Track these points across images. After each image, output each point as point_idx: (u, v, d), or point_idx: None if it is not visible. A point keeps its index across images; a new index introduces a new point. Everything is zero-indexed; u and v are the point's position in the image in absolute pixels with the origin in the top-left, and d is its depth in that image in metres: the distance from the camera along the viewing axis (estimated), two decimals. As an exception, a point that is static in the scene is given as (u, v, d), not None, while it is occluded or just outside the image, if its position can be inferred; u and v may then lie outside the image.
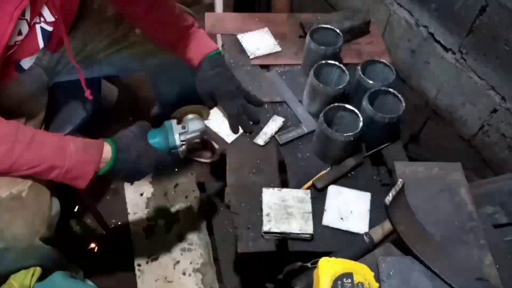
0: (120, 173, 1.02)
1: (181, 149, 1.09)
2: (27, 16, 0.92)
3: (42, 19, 0.99)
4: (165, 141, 1.07)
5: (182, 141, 1.08)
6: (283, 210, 1.06)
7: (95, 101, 1.39)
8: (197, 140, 1.12)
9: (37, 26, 1.00)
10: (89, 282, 1.34)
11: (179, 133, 1.08)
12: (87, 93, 1.20)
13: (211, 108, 1.27)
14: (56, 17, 1.00)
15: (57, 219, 1.08)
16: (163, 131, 1.08)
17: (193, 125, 1.11)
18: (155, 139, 1.07)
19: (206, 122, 1.20)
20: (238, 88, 1.25)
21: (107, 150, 0.98)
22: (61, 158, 0.92)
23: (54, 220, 1.06)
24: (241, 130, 1.24)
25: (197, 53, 1.23)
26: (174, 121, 1.10)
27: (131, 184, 1.05)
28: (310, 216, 1.06)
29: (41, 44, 1.04)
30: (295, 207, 1.07)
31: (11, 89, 1.11)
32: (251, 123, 1.25)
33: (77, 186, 0.96)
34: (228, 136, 1.23)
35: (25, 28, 0.94)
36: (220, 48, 1.50)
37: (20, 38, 0.95)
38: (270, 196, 1.09)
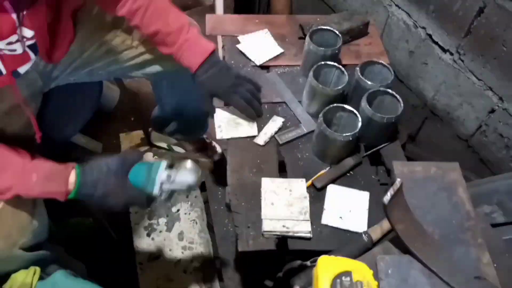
0: (89, 203, 0.98)
1: (160, 198, 0.98)
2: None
3: (23, 37, 0.98)
4: (145, 184, 0.96)
5: (162, 190, 0.97)
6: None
7: (96, 102, 1.40)
8: (182, 194, 1.03)
9: (21, 44, 1.00)
10: (91, 281, 1.34)
11: (161, 182, 0.96)
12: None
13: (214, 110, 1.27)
14: (33, 30, 0.99)
15: (43, 226, 1.07)
16: (147, 172, 0.97)
17: (182, 176, 0.98)
18: (137, 178, 0.97)
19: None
20: (237, 78, 1.22)
21: (71, 182, 0.94)
22: (25, 188, 0.92)
23: (39, 228, 1.05)
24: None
25: (192, 63, 1.20)
26: (163, 164, 0.98)
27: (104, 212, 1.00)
28: (308, 214, 1.07)
29: (32, 55, 1.04)
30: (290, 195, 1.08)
31: (4, 93, 1.08)
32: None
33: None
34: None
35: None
36: (220, 49, 1.51)
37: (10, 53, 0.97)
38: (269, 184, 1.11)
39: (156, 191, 0.96)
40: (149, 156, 1.53)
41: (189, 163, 1.01)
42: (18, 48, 0.98)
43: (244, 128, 1.25)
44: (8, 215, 0.98)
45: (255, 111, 1.22)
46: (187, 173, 0.99)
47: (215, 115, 1.28)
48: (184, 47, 1.18)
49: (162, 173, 0.96)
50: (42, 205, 1.07)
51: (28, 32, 0.99)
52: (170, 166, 0.99)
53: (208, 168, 1.12)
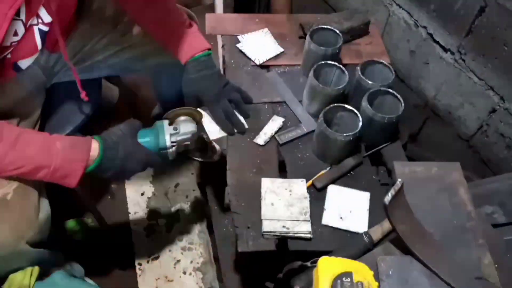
0: (107, 171, 0.99)
1: (170, 150, 1.07)
2: (23, 16, 0.92)
3: (39, 20, 0.99)
4: (155, 141, 1.05)
5: (172, 142, 1.07)
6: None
7: (95, 101, 1.40)
8: (187, 143, 1.10)
9: (35, 28, 1.00)
10: (90, 281, 1.34)
11: (170, 134, 1.06)
12: (83, 95, 1.20)
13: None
14: (52, 17, 1.00)
15: (48, 222, 1.06)
16: (154, 131, 1.07)
17: (185, 127, 1.09)
18: (145, 138, 1.05)
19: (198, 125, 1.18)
20: (224, 87, 1.19)
21: (95, 148, 0.96)
22: (48, 157, 0.90)
23: (44, 224, 1.04)
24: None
25: (185, 53, 1.20)
26: (166, 122, 1.09)
27: (118, 183, 1.03)
28: (308, 215, 1.07)
29: (39, 45, 1.04)
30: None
31: (8, 88, 1.10)
32: (243, 122, 1.19)
33: (67, 185, 0.94)
34: (219, 132, 1.20)
35: (21, 29, 0.94)
36: (220, 49, 1.51)
37: (16, 39, 0.95)
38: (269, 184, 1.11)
39: (168, 143, 1.05)
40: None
41: (183, 117, 1.12)
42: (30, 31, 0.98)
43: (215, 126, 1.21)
44: (16, 206, 0.97)
45: (234, 126, 1.18)
46: (187, 123, 1.10)
47: None
48: (180, 37, 1.18)
49: (168, 127, 1.06)
50: (46, 199, 1.06)
51: (46, 17, 0.99)
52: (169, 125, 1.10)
53: (199, 118, 1.18)
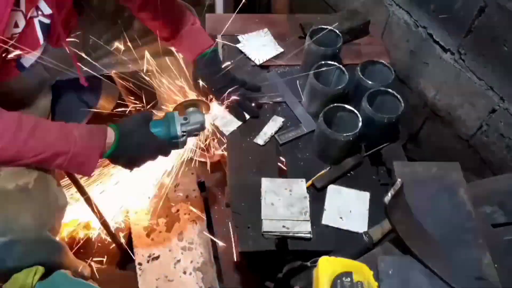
0: (121, 159, 1.03)
1: (181, 139, 1.11)
2: (22, 7, 0.92)
3: (39, 12, 1.00)
4: (167, 131, 1.09)
5: (183, 132, 1.10)
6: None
7: (96, 100, 1.41)
8: (196, 133, 1.14)
9: (35, 20, 1.00)
10: (90, 281, 1.34)
11: (180, 123, 1.10)
12: (82, 80, 1.21)
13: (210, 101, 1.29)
14: (52, 9, 1.01)
15: (64, 211, 1.08)
16: (165, 121, 1.10)
17: (195, 117, 1.13)
18: (157, 128, 1.09)
19: (206, 116, 1.21)
20: (233, 80, 1.28)
21: (110, 136, 0.99)
22: (66, 144, 0.92)
23: (62, 212, 1.07)
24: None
25: (193, 51, 1.26)
26: (176, 112, 1.12)
27: (131, 171, 1.06)
28: (308, 215, 1.07)
29: (41, 38, 1.04)
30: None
31: (12, 87, 1.11)
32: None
33: (83, 174, 0.97)
34: (228, 128, 1.28)
35: (21, 20, 0.95)
36: (220, 49, 1.51)
37: (17, 30, 0.95)
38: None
39: (179, 132, 1.09)
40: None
41: (192, 108, 1.18)
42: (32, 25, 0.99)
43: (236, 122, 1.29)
44: (38, 193, 0.99)
45: (247, 112, 1.27)
46: (197, 114, 1.14)
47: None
48: (186, 34, 1.23)
49: (178, 118, 1.10)
50: (63, 189, 1.08)
51: (46, 9, 1.00)
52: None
53: (208, 110, 1.25)
